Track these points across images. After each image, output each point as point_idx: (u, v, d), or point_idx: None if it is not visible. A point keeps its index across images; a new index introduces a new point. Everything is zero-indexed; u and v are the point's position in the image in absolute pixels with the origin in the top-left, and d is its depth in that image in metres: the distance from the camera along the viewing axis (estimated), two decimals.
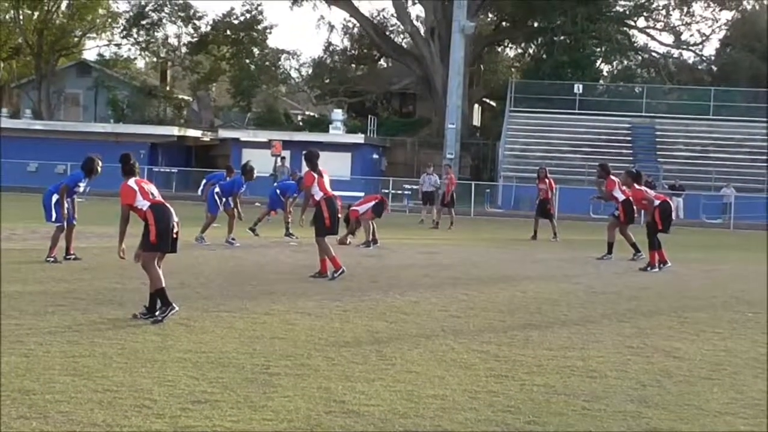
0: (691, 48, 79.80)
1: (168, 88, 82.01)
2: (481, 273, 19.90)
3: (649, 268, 21.43)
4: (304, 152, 18.95)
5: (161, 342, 10.80)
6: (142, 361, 9.72)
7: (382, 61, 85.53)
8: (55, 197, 19.43)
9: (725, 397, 9.20)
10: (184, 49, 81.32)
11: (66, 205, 19.12)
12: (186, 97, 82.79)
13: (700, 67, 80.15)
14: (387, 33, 79.85)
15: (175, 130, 64.80)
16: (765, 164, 57.29)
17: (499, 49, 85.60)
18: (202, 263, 19.40)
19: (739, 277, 20.77)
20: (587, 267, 21.88)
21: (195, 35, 79.41)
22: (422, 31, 73.63)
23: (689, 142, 61.29)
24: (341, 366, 9.93)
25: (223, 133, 65.08)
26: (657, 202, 21.96)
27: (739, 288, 18.92)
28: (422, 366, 10.06)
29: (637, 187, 22.32)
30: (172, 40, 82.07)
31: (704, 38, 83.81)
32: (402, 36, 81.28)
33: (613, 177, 24.36)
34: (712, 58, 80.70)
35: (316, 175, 17.86)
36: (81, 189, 19.98)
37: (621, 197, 23.48)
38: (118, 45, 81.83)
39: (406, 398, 8.64)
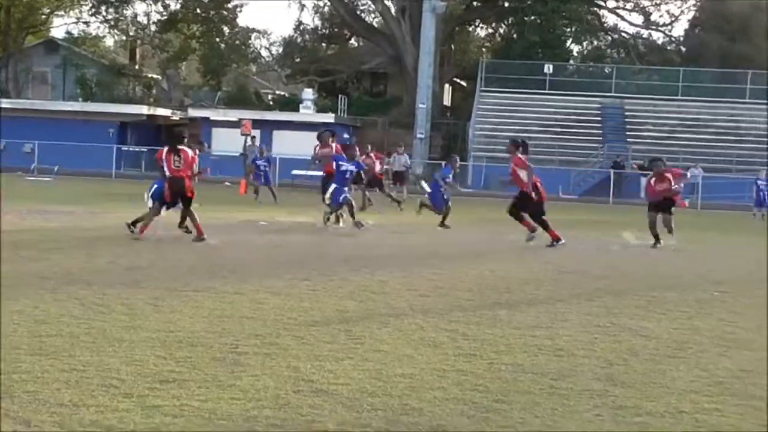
0: (660, 29, 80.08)
1: (137, 67, 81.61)
2: (450, 252, 19.93)
3: (555, 243, 21.53)
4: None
5: (129, 321, 10.76)
6: (109, 341, 9.69)
7: (353, 41, 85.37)
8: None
9: (690, 375, 9.26)
10: (153, 28, 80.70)
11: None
12: (155, 76, 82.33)
13: (669, 47, 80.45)
14: (358, 12, 79.66)
15: (144, 109, 64.55)
16: (732, 145, 57.61)
17: (470, 29, 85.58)
18: (171, 243, 19.35)
19: (706, 257, 20.87)
20: (557, 247, 21.94)
21: (164, 13, 78.83)
22: (393, 11, 73.48)
23: (658, 122, 61.63)
24: (310, 345, 9.94)
25: (193, 112, 64.85)
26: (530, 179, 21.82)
27: (706, 267, 19.04)
28: (391, 345, 10.08)
29: (519, 156, 22.10)
30: (141, 18, 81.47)
31: (673, 19, 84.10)
32: (373, 15, 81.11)
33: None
34: (681, 38, 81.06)
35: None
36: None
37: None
38: (87, 23, 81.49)
39: (375, 377, 8.66)
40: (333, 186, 23.34)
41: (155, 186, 20.01)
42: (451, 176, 27.73)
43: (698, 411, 7.95)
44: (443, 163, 28.06)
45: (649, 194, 23.23)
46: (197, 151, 25.37)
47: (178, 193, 19.47)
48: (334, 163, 23.90)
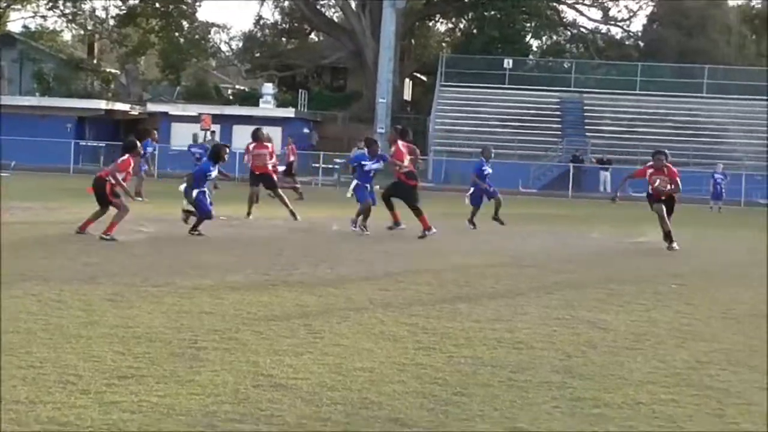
0: (618, 24, 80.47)
1: (95, 61, 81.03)
2: (410, 246, 19.96)
3: (426, 233, 21.47)
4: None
5: (87, 317, 10.71)
6: (66, 337, 9.64)
7: (313, 35, 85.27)
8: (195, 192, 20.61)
9: (648, 366, 9.32)
10: (111, 22, 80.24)
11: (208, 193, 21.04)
12: (114, 71, 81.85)
13: (627, 42, 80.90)
14: (318, 7, 79.57)
15: (102, 104, 64.18)
16: (690, 138, 58.00)
17: (431, 24, 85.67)
18: (129, 238, 19.24)
19: (664, 250, 20.98)
20: (516, 240, 22.01)
21: (123, 7, 78.35)
22: (353, 5, 73.48)
23: (617, 116, 61.96)
24: (269, 340, 9.93)
25: (152, 107, 64.56)
26: (405, 170, 21.91)
27: (663, 260, 19.16)
28: (350, 339, 10.08)
29: (400, 144, 22.17)
30: (100, 12, 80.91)
31: (632, 14, 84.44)
32: (333, 10, 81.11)
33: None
34: (640, 33, 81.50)
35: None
36: (212, 175, 21.30)
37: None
38: (44, 17, 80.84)
39: (335, 371, 8.66)
40: (355, 182, 22.43)
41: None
42: (488, 168, 25.34)
43: (655, 402, 8.01)
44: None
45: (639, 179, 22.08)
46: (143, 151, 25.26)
47: (97, 194, 19.46)
48: (357, 163, 22.79)
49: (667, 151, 21.11)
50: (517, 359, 9.45)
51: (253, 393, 7.85)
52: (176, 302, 11.95)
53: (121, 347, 9.29)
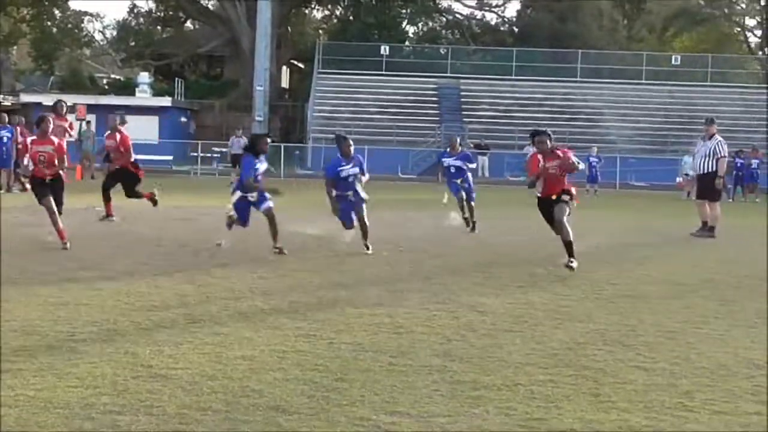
0: (493, 9, 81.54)
1: None
2: (287, 234, 19.93)
3: (107, 217, 21.37)
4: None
5: None
6: None
7: (188, 24, 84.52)
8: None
9: (526, 348, 9.48)
10: None
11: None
12: None
13: (502, 28, 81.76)
14: None
15: None
16: (566, 123, 58.87)
17: (307, 11, 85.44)
18: (5, 230, 18.90)
19: (539, 233, 21.25)
20: (394, 228, 22.13)
21: None
22: None
23: (493, 102, 62.59)
24: (148, 330, 9.86)
25: (25, 98, 63.33)
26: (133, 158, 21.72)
27: (539, 243, 19.43)
28: (230, 328, 10.06)
29: (123, 129, 22.14)
30: None
31: (506, 0, 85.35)
32: None
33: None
34: (514, 19, 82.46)
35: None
36: (261, 170, 16.87)
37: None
38: None
39: (215, 360, 8.64)
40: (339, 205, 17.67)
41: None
42: (452, 159, 22.06)
43: (533, 383, 8.15)
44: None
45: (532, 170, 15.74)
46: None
47: None
48: (333, 171, 17.59)
49: (549, 130, 15.79)
50: (397, 344, 9.52)
51: (132, 384, 7.80)
52: (53, 294, 11.79)
53: None
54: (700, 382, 8.32)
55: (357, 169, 17.48)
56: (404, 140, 56.97)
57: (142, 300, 11.61)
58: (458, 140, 23.52)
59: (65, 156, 17.08)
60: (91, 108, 55.26)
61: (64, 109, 25.89)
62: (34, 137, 17.43)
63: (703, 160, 22.38)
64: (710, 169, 22.20)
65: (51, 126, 17.42)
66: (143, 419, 6.89)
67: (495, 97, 63.01)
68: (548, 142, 15.02)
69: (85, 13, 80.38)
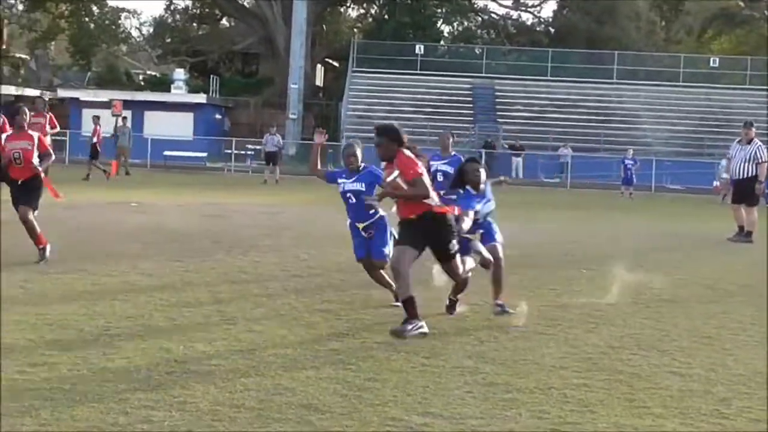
0: (529, 10, 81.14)
1: (4, 47, 79.71)
2: (321, 233, 19.94)
3: None
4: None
5: None
6: None
7: (224, 21, 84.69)
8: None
9: (560, 351, 9.42)
10: (21, 7, 78.99)
11: None
12: (23, 56, 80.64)
13: (538, 28, 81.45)
14: None
15: (12, 89, 63.21)
16: (600, 124, 58.63)
17: (342, 9, 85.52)
18: (40, 226, 18.95)
19: (570, 235, 21.21)
20: None
21: None
22: None
23: (528, 102, 62.36)
24: (182, 326, 9.88)
25: (63, 93, 63.78)
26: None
27: (570, 246, 19.35)
28: (264, 325, 10.07)
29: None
30: None
31: (542, 0, 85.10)
32: None
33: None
34: (550, 19, 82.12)
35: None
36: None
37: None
38: None
39: (248, 357, 8.64)
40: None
41: None
42: (441, 163, 16.02)
43: (567, 386, 8.10)
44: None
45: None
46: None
47: None
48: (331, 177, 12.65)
49: (395, 124, 10.95)
50: (431, 345, 9.49)
51: (166, 380, 7.82)
52: (88, 289, 11.84)
53: (33, 334, 9.19)
54: (737, 389, 8.25)
55: (361, 186, 11.73)
56: (438, 140, 56.81)
57: (176, 296, 11.63)
58: (451, 139, 17.09)
59: (49, 151, 14.69)
60: (127, 104, 55.55)
61: (43, 105, 25.77)
62: (10, 133, 14.95)
63: (741, 164, 22.14)
64: (749, 174, 21.97)
65: (27, 118, 15.02)
66: (176, 415, 6.90)
67: (530, 97, 62.78)
68: (384, 141, 10.41)
69: (123, 10, 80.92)
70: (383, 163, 10.43)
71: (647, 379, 8.47)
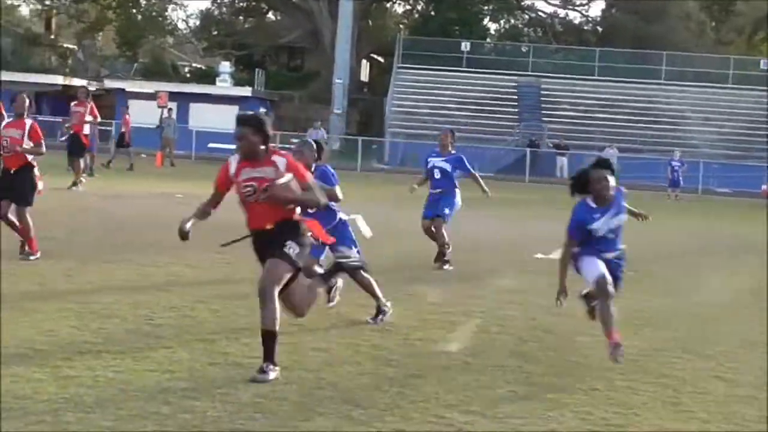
0: (577, 8, 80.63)
1: (53, 37, 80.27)
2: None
3: None
4: None
5: (42, 292, 10.64)
6: (23, 311, 9.57)
7: (270, 14, 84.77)
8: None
9: (604, 353, 9.32)
10: None
11: None
12: (71, 46, 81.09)
13: (585, 27, 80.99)
14: None
15: (59, 79, 63.63)
16: (647, 125, 58.25)
17: (388, 5, 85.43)
18: (84, 215, 19.11)
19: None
20: (476, 224, 22.02)
21: None
22: None
23: (574, 102, 62.00)
24: (225, 318, 9.92)
25: (109, 83, 64.11)
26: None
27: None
28: (306, 320, 10.03)
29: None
30: None
31: None
32: None
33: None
34: (598, 19, 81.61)
35: None
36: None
37: None
38: None
39: (291, 351, 8.65)
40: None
41: None
42: (439, 160, 15.90)
43: (611, 389, 8.06)
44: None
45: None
46: None
47: None
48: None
49: (261, 114, 9.76)
50: (473, 343, 9.47)
51: (209, 370, 7.85)
52: (132, 278, 11.91)
53: (77, 322, 9.25)
54: None
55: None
56: (482, 137, 56.63)
57: (219, 288, 11.67)
58: (451, 136, 16.29)
59: (41, 141, 14.01)
60: (172, 96, 55.74)
61: (86, 95, 25.95)
62: (9, 120, 14.44)
63: None
64: None
65: (26, 104, 14.18)
66: (218, 406, 6.92)
67: (576, 97, 62.43)
68: (249, 135, 8.73)
69: (170, 2, 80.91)
70: (236, 159, 9.02)
71: (692, 383, 8.42)
